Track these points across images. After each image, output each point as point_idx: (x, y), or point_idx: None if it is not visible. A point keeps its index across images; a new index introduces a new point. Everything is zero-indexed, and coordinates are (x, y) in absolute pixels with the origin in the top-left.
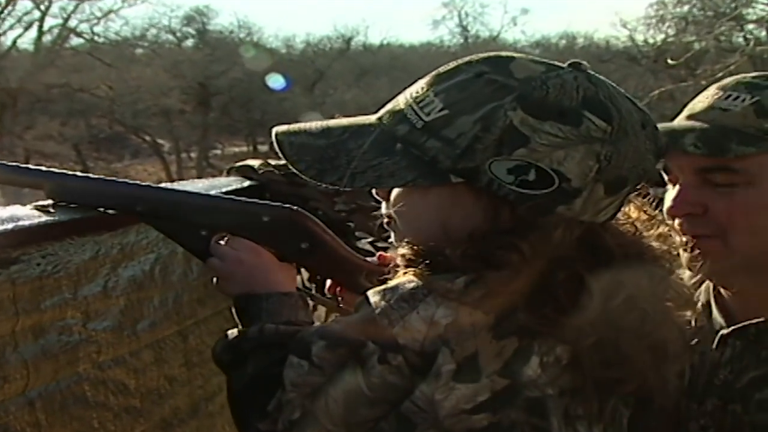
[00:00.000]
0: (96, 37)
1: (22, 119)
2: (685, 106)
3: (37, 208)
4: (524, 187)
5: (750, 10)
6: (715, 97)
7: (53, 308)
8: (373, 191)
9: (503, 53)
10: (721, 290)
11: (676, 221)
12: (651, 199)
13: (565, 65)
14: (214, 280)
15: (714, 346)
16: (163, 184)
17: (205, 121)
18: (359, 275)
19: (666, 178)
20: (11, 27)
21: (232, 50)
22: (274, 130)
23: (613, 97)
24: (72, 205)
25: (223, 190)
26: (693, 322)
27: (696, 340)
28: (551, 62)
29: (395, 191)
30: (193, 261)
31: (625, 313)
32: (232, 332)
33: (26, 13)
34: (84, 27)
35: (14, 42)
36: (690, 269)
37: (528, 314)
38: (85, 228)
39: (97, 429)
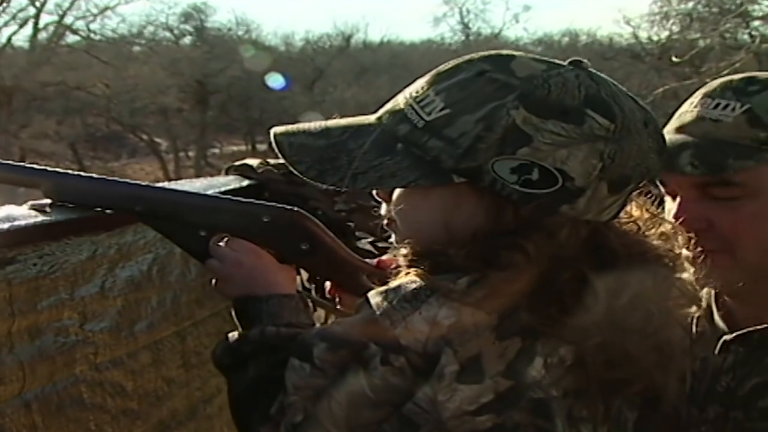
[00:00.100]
0: (92, 35)
1: (17, 118)
2: (673, 113)
3: (33, 207)
4: (527, 187)
5: (756, 7)
6: (703, 105)
7: (50, 309)
8: (374, 192)
9: (503, 51)
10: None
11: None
12: (653, 198)
13: (565, 63)
14: (213, 281)
15: (716, 351)
16: (161, 184)
17: (203, 119)
18: (359, 277)
19: (663, 190)
20: (6, 24)
21: (231, 48)
22: (273, 130)
23: (615, 96)
24: (69, 205)
25: (222, 189)
26: (694, 327)
27: (697, 345)
28: (552, 60)
29: (397, 192)
30: (192, 261)
31: (629, 313)
32: (233, 335)
33: (21, 10)
34: (80, 24)
35: (9, 39)
36: (700, 283)
37: (531, 314)
38: (82, 228)
39: (94, 431)
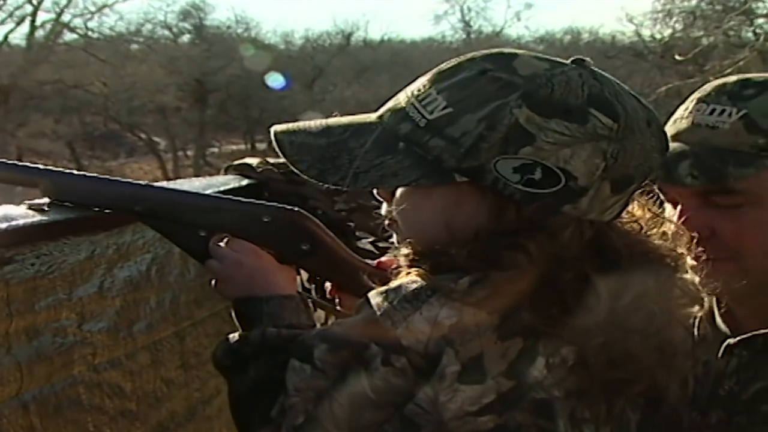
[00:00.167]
0: (90, 33)
1: (14, 116)
2: (672, 114)
3: (31, 207)
4: (530, 186)
5: (760, 4)
6: (698, 111)
7: (48, 309)
8: (375, 191)
9: (506, 50)
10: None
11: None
12: (655, 197)
13: (568, 62)
14: (213, 282)
15: (719, 355)
16: (160, 183)
17: (201, 118)
18: (360, 277)
19: (662, 197)
20: (2, 22)
21: (230, 46)
22: (274, 128)
23: (618, 95)
24: (68, 204)
25: (221, 188)
26: (696, 329)
27: (699, 348)
28: (554, 59)
29: (398, 191)
30: (190, 261)
31: (631, 314)
32: (233, 336)
33: (18, 8)
34: (77, 22)
35: (6, 37)
36: (705, 292)
37: (533, 314)
38: (80, 227)
39: None
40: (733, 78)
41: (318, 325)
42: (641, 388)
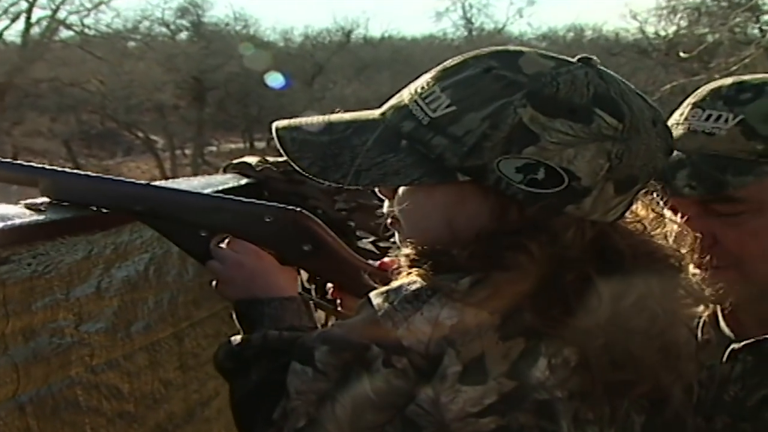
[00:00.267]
0: (86, 30)
1: (9, 115)
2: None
3: (27, 206)
4: (533, 186)
5: (766, 0)
6: (694, 117)
7: (44, 310)
8: (377, 189)
9: (511, 48)
10: None
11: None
12: (659, 197)
13: (574, 60)
14: (214, 283)
15: (723, 359)
16: (158, 182)
17: (200, 116)
18: (362, 278)
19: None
20: None
21: (228, 43)
22: (275, 124)
23: (624, 94)
24: (67, 204)
25: (220, 188)
26: (699, 333)
27: (703, 352)
28: (561, 57)
29: (400, 189)
30: (189, 261)
31: (634, 315)
32: (235, 339)
33: (13, 4)
34: (74, 19)
35: (0, 34)
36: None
37: (534, 315)
38: (77, 227)
39: None
40: (728, 81)
41: (319, 327)
42: (645, 389)
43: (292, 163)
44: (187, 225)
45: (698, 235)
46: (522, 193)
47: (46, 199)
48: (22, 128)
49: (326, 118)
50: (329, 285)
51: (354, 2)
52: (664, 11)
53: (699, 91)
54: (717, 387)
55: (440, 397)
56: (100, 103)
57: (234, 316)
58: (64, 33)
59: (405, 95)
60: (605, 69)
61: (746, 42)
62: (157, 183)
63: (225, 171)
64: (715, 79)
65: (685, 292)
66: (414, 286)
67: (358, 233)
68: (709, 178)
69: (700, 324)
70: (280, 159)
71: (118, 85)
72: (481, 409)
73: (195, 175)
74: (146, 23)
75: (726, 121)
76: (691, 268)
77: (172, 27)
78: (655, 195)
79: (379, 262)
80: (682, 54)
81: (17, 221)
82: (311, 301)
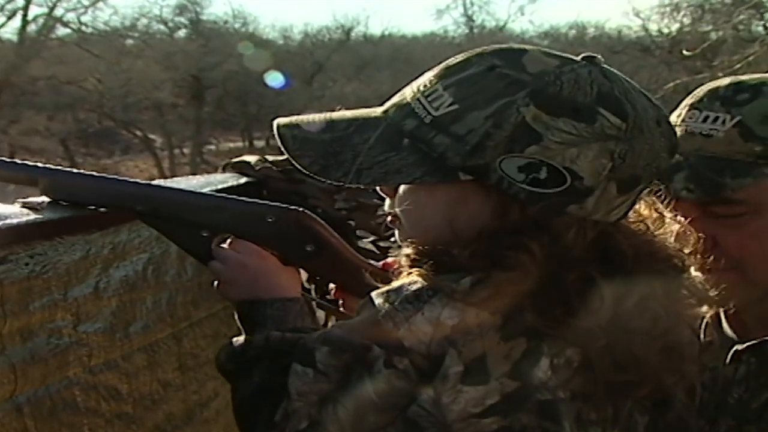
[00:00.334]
0: (84, 27)
1: (6, 113)
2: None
3: (24, 205)
4: (535, 186)
5: None
6: (691, 118)
7: (42, 310)
8: (378, 188)
9: (515, 45)
10: None
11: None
12: (662, 196)
13: (578, 59)
14: (216, 284)
15: (726, 361)
16: (160, 182)
17: (198, 115)
18: (365, 279)
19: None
20: None
21: (227, 41)
22: (276, 122)
23: (628, 93)
24: (67, 203)
25: (219, 187)
26: (702, 335)
27: (706, 354)
28: (565, 55)
29: (401, 188)
30: (187, 261)
31: (636, 316)
32: (237, 340)
33: (9, 1)
34: (71, 16)
35: None
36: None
37: (535, 315)
38: (75, 227)
39: None
40: (725, 81)
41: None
42: (647, 390)
43: (293, 161)
44: (189, 225)
45: (701, 235)
46: (524, 192)
47: (43, 198)
48: (18, 127)
49: (328, 115)
50: (331, 286)
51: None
52: (667, 8)
53: (696, 92)
54: (720, 389)
55: (442, 397)
56: (98, 101)
57: (236, 316)
58: (61, 31)
59: (407, 93)
60: (609, 68)
61: (750, 40)
62: (157, 182)
63: (224, 170)
64: (718, 77)
65: (688, 293)
66: (415, 286)
67: (358, 233)
68: (707, 181)
69: (703, 325)
70: (279, 158)
71: (116, 84)
72: (483, 409)
73: (194, 174)
74: (144, 21)
75: (723, 122)
76: (693, 270)
77: (171, 25)
78: (658, 195)
79: (382, 262)
80: (685, 52)
81: (14, 220)
82: (314, 302)
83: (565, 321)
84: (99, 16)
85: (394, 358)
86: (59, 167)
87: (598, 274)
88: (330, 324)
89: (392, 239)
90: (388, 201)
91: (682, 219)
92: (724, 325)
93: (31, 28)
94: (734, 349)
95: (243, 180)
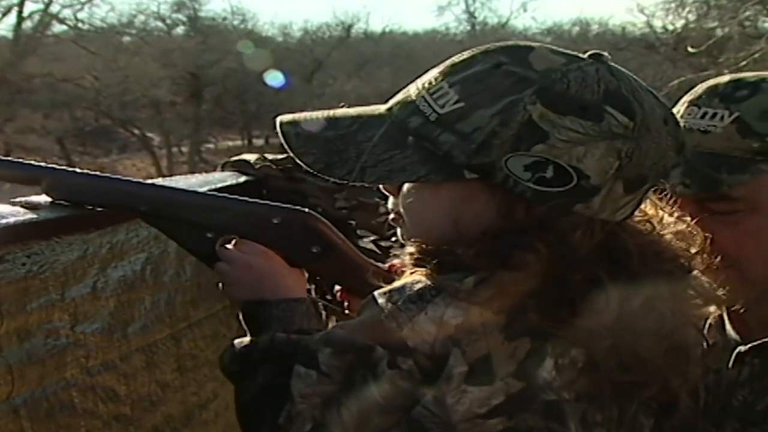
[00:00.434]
0: (80, 24)
1: (1, 111)
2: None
3: (21, 205)
4: (541, 185)
5: None
6: (690, 115)
7: (39, 310)
8: (381, 186)
9: (521, 43)
10: None
11: None
12: (668, 195)
13: (585, 56)
14: (221, 285)
15: (730, 364)
16: (157, 180)
17: (197, 113)
18: (370, 280)
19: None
20: None
21: (226, 38)
22: (279, 119)
23: (635, 91)
24: (68, 203)
25: (218, 186)
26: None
27: (710, 357)
28: (571, 53)
29: (405, 186)
30: (186, 261)
31: (642, 316)
32: (241, 341)
33: None
34: (67, 13)
35: None
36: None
37: (540, 315)
38: (72, 226)
39: None
40: (725, 78)
41: None
42: (653, 391)
43: (297, 159)
44: (193, 226)
45: (707, 235)
46: (530, 191)
47: (40, 198)
48: (14, 125)
49: (331, 113)
50: (337, 288)
51: None
52: (672, 5)
53: (696, 89)
54: (725, 392)
55: (446, 398)
56: (95, 99)
57: (241, 317)
58: (57, 27)
59: (412, 90)
60: (616, 65)
61: (756, 36)
62: (158, 182)
63: (223, 168)
64: (724, 74)
65: (694, 293)
66: (418, 286)
67: (358, 232)
68: (703, 177)
69: (706, 327)
70: (279, 156)
71: (113, 81)
72: (488, 410)
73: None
74: (141, 17)
75: (722, 118)
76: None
77: (168, 21)
78: (660, 194)
79: (388, 264)
80: (690, 49)
81: (11, 220)
82: (324, 305)
83: (569, 321)
84: (96, 13)
85: (397, 359)
86: (61, 167)
87: (604, 274)
88: (331, 324)
89: (393, 239)
90: (391, 199)
91: (689, 218)
92: (728, 326)
93: (27, 24)
94: (737, 350)
95: (242, 179)
